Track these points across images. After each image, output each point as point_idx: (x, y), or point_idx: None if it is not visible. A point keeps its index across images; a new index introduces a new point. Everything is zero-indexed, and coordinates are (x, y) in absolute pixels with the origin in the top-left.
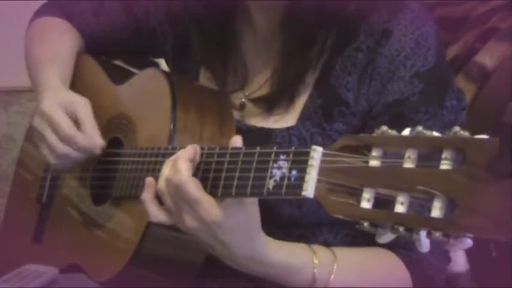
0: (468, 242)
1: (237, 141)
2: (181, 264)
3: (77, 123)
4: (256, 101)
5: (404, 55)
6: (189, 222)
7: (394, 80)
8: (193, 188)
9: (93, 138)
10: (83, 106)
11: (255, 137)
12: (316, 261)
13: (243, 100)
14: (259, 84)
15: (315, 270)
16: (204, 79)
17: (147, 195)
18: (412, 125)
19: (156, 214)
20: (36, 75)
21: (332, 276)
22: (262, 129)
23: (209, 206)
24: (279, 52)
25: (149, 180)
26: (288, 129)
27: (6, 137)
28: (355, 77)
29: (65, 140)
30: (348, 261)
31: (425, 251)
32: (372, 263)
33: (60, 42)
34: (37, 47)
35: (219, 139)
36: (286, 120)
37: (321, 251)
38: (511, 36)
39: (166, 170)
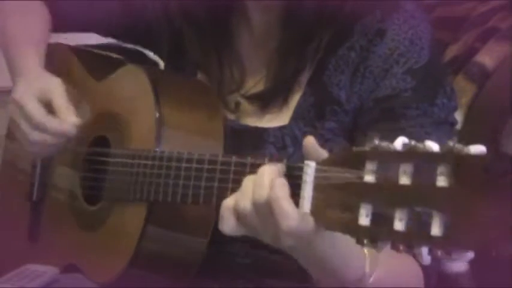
0: (469, 255)
1: (311, 141)
2: (179, 264)
3: (50, 106)
4: (251, 98)
5: (398, 53)
6: (287, 241)
7: (386, 77)
8: (302, 223)
9: (66, 121)
10: (55, 89)
11: (248, 136)
12: (366, 252)
13: (238, 99)
14: (255, 82)
15: (367, 261)
16: (202, 77)
17: (229, 204)
18: (403, 119)
19: (237, 230)
20: (14, 57)
21: (376, 271)
22: (256, 128)
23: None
24: (275, 50)
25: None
26: (280, 128)
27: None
28: (348, 75)
29: (38, 127)
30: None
31: (426, 264)
32: (397, 259)
33: (35, 22)
34: (13, 25)
35: (207, 131)
36: (279, 119)
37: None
38: (511, 36)
39: (261, 193)
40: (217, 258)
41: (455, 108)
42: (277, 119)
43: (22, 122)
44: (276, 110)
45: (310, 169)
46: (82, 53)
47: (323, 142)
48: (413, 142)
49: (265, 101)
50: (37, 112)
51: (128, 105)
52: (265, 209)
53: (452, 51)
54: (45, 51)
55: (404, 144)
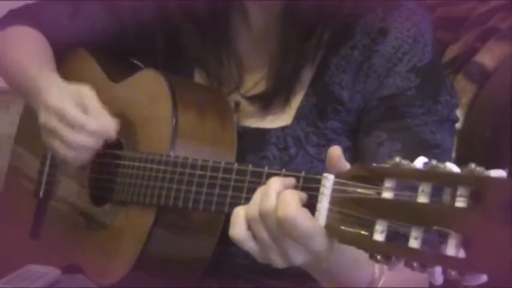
0: (483, 278)
1: (337, 152)
2: (184, 268)
3: (85, 111)
4: (252, 99)
5: (402, 51)
6: (297, 257)
7: (390, 75)
8: (306, 220)
9: (105, 121)
10: (88, 93)
11: (250, 138)
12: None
13: (238, 99)
14: (255, 82)
15: (376, 265)
16: (198, 78)
17: (241, 210)
18: (407, 117)
19: (247, 239)
20: (31, 78)
21: (385, 275)
22: (257, 129)
23: (322, 235)
24: (275, 49)
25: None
26: (283, 128)
27: (7, 137)
28: (350, 74)
29: (78, 129)
30: None
31: (438, 284)
32: None
33: (39, 45)
34: (15, 52)
35: (221, 139)
36: (282, 119)
37: None
38: (511, 36)
39: (268, 202)
40: (218, 258)
41: (456, 105)
42: (279, 120)
43: (61, 126)
44: (278, 110)
45: (328, 182)
46: (100, 55)
47: (326, 142)
48: (434, 162)
49: (267, 102)
50: (77, 114)
51: (145, 109)
52: (272, 219)
53: (452, 51)
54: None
55: (425, 164)
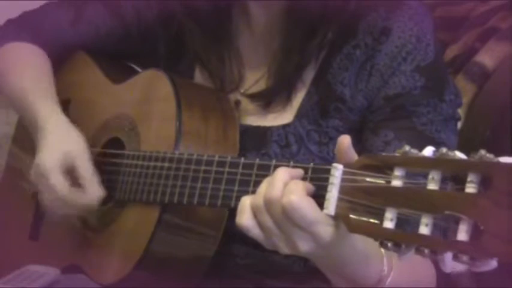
0: (493, 264)
1: (346, 141)
2: (186, 267)
3: (75, 175)
4: (253, 97)
5: (405, 51)
6: (303, 245)
7: (395, 74)
8: (309, 208)
9: (89, 194)
10: (79, 155)
11: (251, 136)
12: (383, 252)
13: (238, 98)
14: (255, 79)
15: (384, 260)
16: (199, 79)
17: (247, 199)
18: (414, 116)
19: (252, 227)
20: (31, 110)
21: (393, 271)
22: (258, 128)
23: (326, 223)
24: (276, 47)
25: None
26: (284, 126)
27: (6, 137)
28: (352, 73)
29: (61, 202)
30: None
31: (448, 272)
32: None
33: (40, 68)
34: (17, 76)
35: (224, 140)
36: (283, 117)
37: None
38: (511, 36)
39: (274, 192)
40: (218, 258)
41: (460, 104)
42: (280, 118)
43: (45, 193)
44: (280, 108)
45: (337, 171)
46: (99, 58)
47: (327, 140)
48: (444, 150)
49: (269, 100)
50: (61, 187)
51: (148, 109)
52: (276, 208)
53: (452, 51)
54: (56, 95)
55: (434, 152)
